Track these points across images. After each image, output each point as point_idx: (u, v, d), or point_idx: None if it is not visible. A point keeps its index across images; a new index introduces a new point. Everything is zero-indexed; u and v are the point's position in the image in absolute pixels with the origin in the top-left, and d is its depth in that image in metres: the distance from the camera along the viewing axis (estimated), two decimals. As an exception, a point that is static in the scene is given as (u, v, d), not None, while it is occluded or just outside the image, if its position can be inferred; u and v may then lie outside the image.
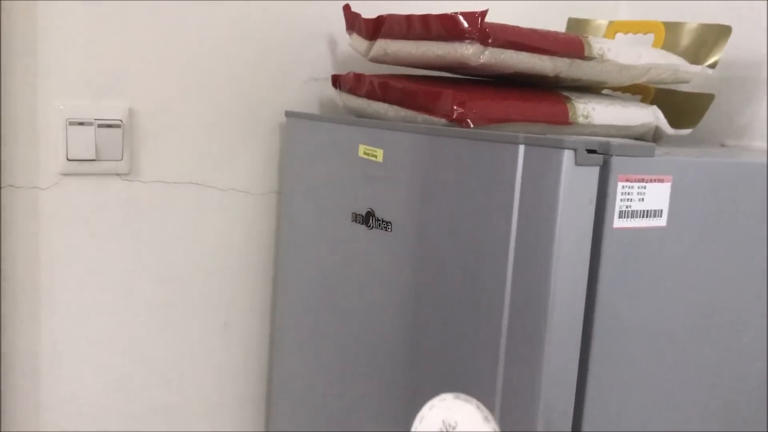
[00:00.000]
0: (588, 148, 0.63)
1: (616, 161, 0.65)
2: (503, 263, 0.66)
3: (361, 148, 0.86)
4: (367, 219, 0.85)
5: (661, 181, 0.68)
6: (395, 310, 0.81)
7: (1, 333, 0.96)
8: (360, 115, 0.96)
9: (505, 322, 0.67)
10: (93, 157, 0.96)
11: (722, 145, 1.11)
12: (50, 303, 0.99)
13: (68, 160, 0.95)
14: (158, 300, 1.06)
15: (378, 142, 0.84)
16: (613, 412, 0.69)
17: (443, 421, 0.39)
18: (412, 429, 0.37)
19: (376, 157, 0.84)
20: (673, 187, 0.69)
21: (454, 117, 0.78)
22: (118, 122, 0.98)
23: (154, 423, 1.09)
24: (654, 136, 0.96)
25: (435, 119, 0.81)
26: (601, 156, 0.64)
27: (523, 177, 0.65)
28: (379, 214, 0.83)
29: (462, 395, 0.38)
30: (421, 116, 0.83)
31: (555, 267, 0.63)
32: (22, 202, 0.95)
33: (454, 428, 0.38)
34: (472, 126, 0.77)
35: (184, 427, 1.12)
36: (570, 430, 0.67)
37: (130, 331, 1.05)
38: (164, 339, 1.08)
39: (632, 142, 0.68)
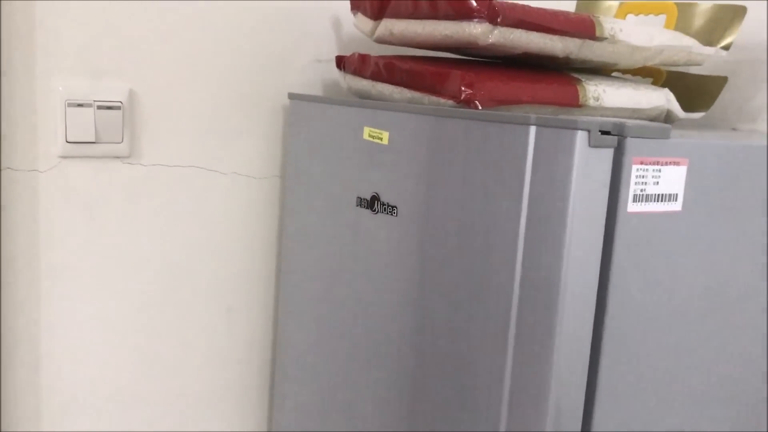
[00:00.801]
0: (602, 129, 0.61)
1: (630, 143, 0.63)
2: (513, 249, 0.64)
3: (366, 130, 0.84)
4: (372, 203, 0.83)
5: (677, 164, 0.66)
6: (400, 297, 0.79)
7: (0, 317, 0.95)
8: (365, 97, 0.94)
9: (514, 310, 0.65)
10: (93, 140, 0.94)
11: (734, 130, 1.09)
12: (50, 287, 0.97)
13: (67, 142, 0.93)
14: (160, 285, 1.05)
15: (383, 125, 0.82)
16: (625, 401, 0.68)
17: None
18: None
19: (381, 139, 0.82)
20: (689, 171, 0.67)
21: (461, 98, 0.76)
22: (118, 104, 0.96)
23: (156, 408, 1.08)
24: (665, 120, 0.94)
25: (442, 101, 0.79)
26: (615, 137, 0.62)
27: (534, 159, 0.63)
28: (384, 198, 0.82)
29: None
30: (427, 98, 0.81)
31: (567, 253, 0.61)
32: (21, 186, 0.93)
33: None
34: (480, 107, 0.75)
35: (187, 413, 1.11)
36: (581, 417, 0.66)
37: (131, 316, 1.03)
38: (166, 324, 1.06)
39: (647, 123, 0.66)
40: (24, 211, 0.94)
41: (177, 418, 1.10)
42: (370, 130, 0.84)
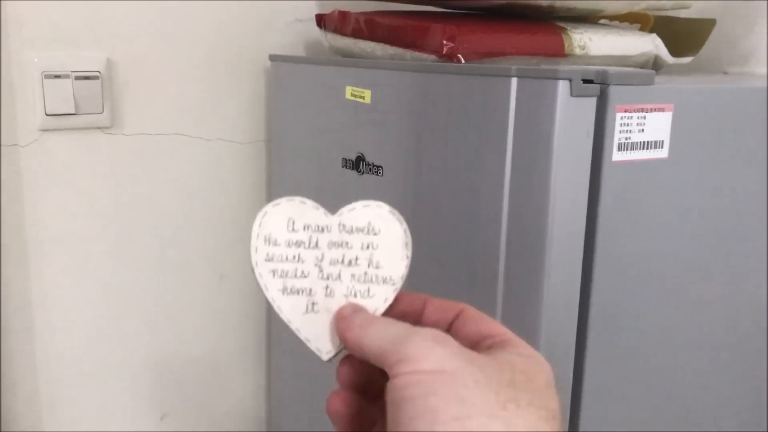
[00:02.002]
0: (584, 78, 0.60)
1: (614, 91, 0.61)
2: (498, 202, 0.64)
3: (348, 89, 0.83)
4: (357, 164, 0.82)
5: (661, 110, 0.65)
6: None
7: (-9, 295, 0.95)
8: (347, 55, 0.92)
9: (501, 263, 0.64)
10: (72, 111, 0.93)
11: (724, 73, 1.07)
12: (39, 263, 0.97)
13: (47, 115, 0.92)
14: (150, 256, 1.04)
15: (366, 83, 0.80)
16: (615, 351, 0.68)
17: (369, 223, 0.39)
18: (342, 211, 0.39)
19: (363, 98, 0.81)
20: (674, 117, 0.66)
21: (443, 52, 0.74)
22: (96, 74, 0.94)
23: (152, 378, 1.08)
24: (654, 66, 0.92)
25: (424, 56, 0.77)
26: (598, 86, 0.61)
27: (516, 111, 0.62)
28: (369, 158, 0.81)
29: (397, 213, 0.39)
30: (409, 53, 0.79)
31: (552, 204, 0.60)
32: (3, 161, 0.92)
33: (375, 233, 0.39)
34: (463, 61, 0.74)
35: (185, 381, 1.11)
36: (572, 367, 0.66)
37: (123, 288, 1.03)
38: (159, 293, 1.06)
39: (630, 70, 0.65)
40: (7, 187, 0.93)
41: (173, 386, 1.11)
42: (353, 90, 0.82)
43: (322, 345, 0.39)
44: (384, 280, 0.39)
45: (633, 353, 0.69)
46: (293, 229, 0.39)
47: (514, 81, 0.62)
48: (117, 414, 1.07)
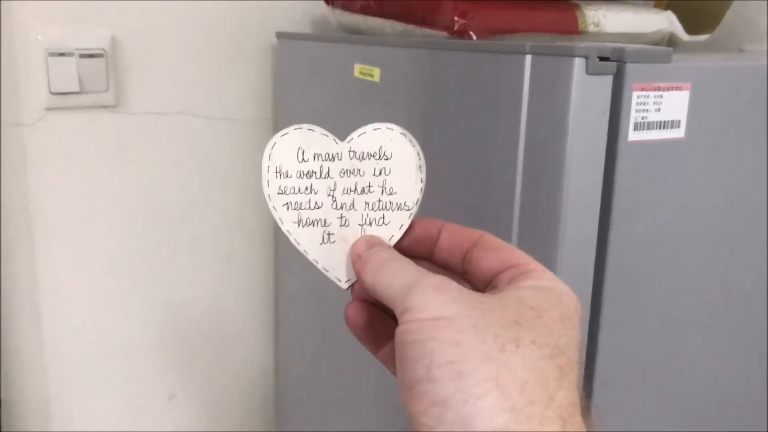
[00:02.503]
0: (600, 55, 0.58)
1: (630, 69, 0.60)
2: (511, 182, 0.62)
3: (357, 67, 0.81)
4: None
5: (679, 89, 0.63)
6: (399, 237, 0.78)
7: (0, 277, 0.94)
8: (355, 32, 0.90)
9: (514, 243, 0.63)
10: (77, 90, 0.92)
11: (741, 50, 1.05)
12: (45, 243, 0.96)
13: (51, 93, 0.91)
14: (156, 236, 1.04)
15: (375, 61, 0.79)
16: (628, 331, 0.67)
17: (381, 147, 0.38)
18: (351, 136, 0.38)
19: (372, 76, 0.79)
20: (691, 96, 0.64)
21: (455, 29, 0.73)
22: (101, 51, 0.92)
23: (160, 359, 1.08)
24: (668, 44, 0.91)
25: (435, 32, 0.75)
26: (614, 63, 0.59)
27: (530, 89, 0.60)
28: (378, 137, 0.79)
29: (409, 134, 0.39)
30: (420, 30, 0.78)
31: (566, 185, 0.59)
32: (7, 140, 0.91)
33: (387, 158, 0.38)
34: (474, 38, 0.72)
35: (192, 362, 1.11)
36: (585, 344, 0.65)
37: (129, 268, 1.02)
38: (166, 273, 1.06)
39: (647, 47, 0.63)
40: (11, 167, 0.92)
41: (180, 366, 1.10)
42: (361, 67, 0.81)
43: (340, 274, 0.39)
44: (399, 207, 0.38)
45: (647, 336, 0.68)
46: (303, 159, 0.38)
47: (528, 58, 0.60)
48: (125, 395, 1.06)
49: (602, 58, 0.58)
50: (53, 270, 0.97)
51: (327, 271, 0.39)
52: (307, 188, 0.38)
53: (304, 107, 0.95)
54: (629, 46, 0.61)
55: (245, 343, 1.16)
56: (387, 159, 0.38)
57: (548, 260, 0.61)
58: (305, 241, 0.38)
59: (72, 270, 0.98)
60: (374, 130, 0.38)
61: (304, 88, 0.94)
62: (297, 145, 0.38)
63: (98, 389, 1.04)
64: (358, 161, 0.38)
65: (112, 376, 1.05)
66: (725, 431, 0.77)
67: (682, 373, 0.73)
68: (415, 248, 0.38)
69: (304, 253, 0.39)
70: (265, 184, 0.38)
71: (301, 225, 0.38)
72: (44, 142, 0.93)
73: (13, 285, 0.95)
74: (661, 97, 0.62)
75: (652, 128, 0.63)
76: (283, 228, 0.38)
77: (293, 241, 0.38)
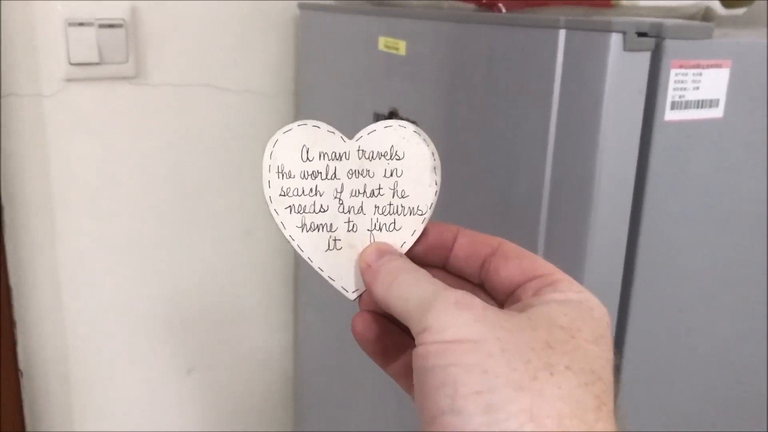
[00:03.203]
0: (639, 30, 0.56)
1: (669, 45, 0.57)
2: (541, 163, 0.60)
3: (382, 40, 0.79)
4: (389, 119, 0.79)
5: (719, 66, 0.61)
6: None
7: (9, 254, 0.94)
8: (380, 3, 0.88)
9: (542, 231, 0.61)
10: (96, 60, 0.90)
11: (778, 26, 1.01)
12: (65, 216, 0.95)
13: (70, 64, 0.89)
14: (176, 209, 1.03)
15: (400, 33, 0.76)
16: (658, 321, 0.65)
17: (392, 146, 0.36)
18: (360, 134, 0.36)
19: (397, 49, 0.77)
20: (731, 74, 0.62)
21: (484, 1, 0.70)
22: (121, 21, 0.91)
23: (179, 333, 1.08)
24: (704, 18, 0.87)
25: (463, 4, 0.73)
26: (652, 39, 0.57)
27: (564, 66, 0.58)
28: (403, 113, 0.77)
29: (423, 133, 0.36)
30: (447, 2, 0.75)
31: (599, 167, 0.57)
32: (26, 111, 0.90)
33: (399, 158, 0.36)
34: (504, 11, 0.69)
35: (212, 336, 1.11)
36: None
37: (149, 242, 1.02)
38: (185, 248, 1.05)
39: (687, 22, 0.60)
40: (31, 138, 0.91)
41: (200, 341, 1.10)
42: (386, 40, 0.78)
43: (347, 283, 0.36)
44: (411, 211, 0.36)
45: (676, 322, 0.67)
46: (308, 159, 0.35)
47: (562, 33, 0.58)
48: (144, 368, 1.07)
49: (640, 34, 0.56)
50: (73, 243, 0.97)
51: (333, 280, 0.36)
52: (311, 190, 0.36)
53: (327, 81, 0.93)
54: (668, 21, 0.58)
55: (264, 318, 1.15)
56: (399, 159, 0.36)
57: (577, 246, 0.59)
58: (309, 247, 0.36)
59: (92, 243, 0.98)
60: (385, 127, 0.36)
61: (327, 61, 0.92)
62: (301, 143, 0.35)
63: (118, 363, 1.05)
64: (367, 161, 0.36)
65: (131, 349, 1.05)
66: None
67: (716, 364, 0.71)
68: (428, 256, 0.35)
69: (308, 261, 0.36)
70: (265, 185, 0.36)
71: (305, 230, 0.36)
72: (63, 114, 0.92)
73: (32, 258, 0.95)
74: (701, 74, 0.60)
75: (690, 107, 0.60)
76: (286, 233, 0.36)
77: (296, 248, 0.36)
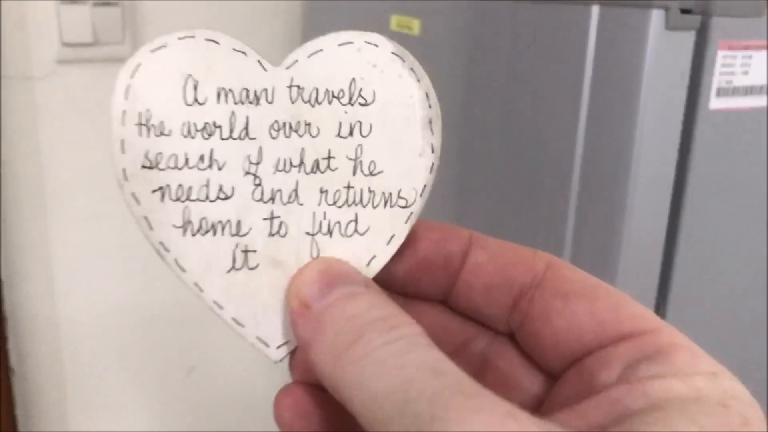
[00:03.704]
0: (682, 7, 0.49)
1: (716, 23, 0.51)
2: (570, 157, 0.54)
3: (394, 19, 0.73)
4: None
5: (770, 48, 0.54)
6: (436, 212, 0.70)
7: (8, 241, 0.89)
8: (392, -19, 0.82)
9: (570, 227, 0.55)
10: (90, 41, 0.85)
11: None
12: (58, 203, 0.91)
13: (63, 45, 0.84)
14: (176, 200, 0.98)
15: (413, 11, 0.70)
16: (694, 323, 0.59)
17: (353, 81, 0.21)
18: (296, 55, 0.22)
19: (411, 29, 0.71)
20: (785, 57, 0.55)
21: (506, -24, 0.64)
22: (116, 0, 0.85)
23: (180, 331, 1.03)
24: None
25: (483, -20, 0.67)
26: (698, 17, 0.50)
27: (597, 47, 0.52)
28: (416, 98, 0.71)
29: (410, 56, 0.22)
30: (465, -22, 0.69)
31: (635, 161, 0.51)
32: (17, 94, 0.85)
33: (365, 102, 0.21)
34: (528, -13, 0.63)
35: (213, 335, 1.06)
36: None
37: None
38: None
39: (736, -2, 0.54)
40: (22, 122, 0.86)
41: (201, 339, 1.06)
42: (399, 19, 0.72)
43: (267, 332, 0.21)
44: (386, 200, 0.21)
45: (715, 321, 0.61)
46: (196, 100, 0.20)
47: (595, 8, 0.51)
48: (144, 368, 1.02)
49: (684, 11, 0.50)
50: (67, 235, 0.92)
51: (241, 325, 0.22)
52: (202, 158, 0.20)
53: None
54: (716, -4, 0.52)
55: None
56: (365, 104, 0.21)
57: (608, 252, 0.53)
58: (197, 264, 0.21)
59: (86, 235, 0.93)
60: (340, 45, 0.21)
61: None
62: (184, 71, 0.20)
63: (115, 362, 1.00)
64: (307, 106, 0.21)
65: (130, 348, 1.00)
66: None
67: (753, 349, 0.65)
68: (417, 281, 0.21)
69: (194, 288, 0.22)
70: (115, 148, 0.20)
71: (190, 231, 0.21)
72: (56, 97, 0.87)
73: (23, 250, 0.90)
74: (750, 57, 0.53)
75: (738, 94, 0.54)
76: (153, 237, 0.21)
77: (172, 263, 0.21)
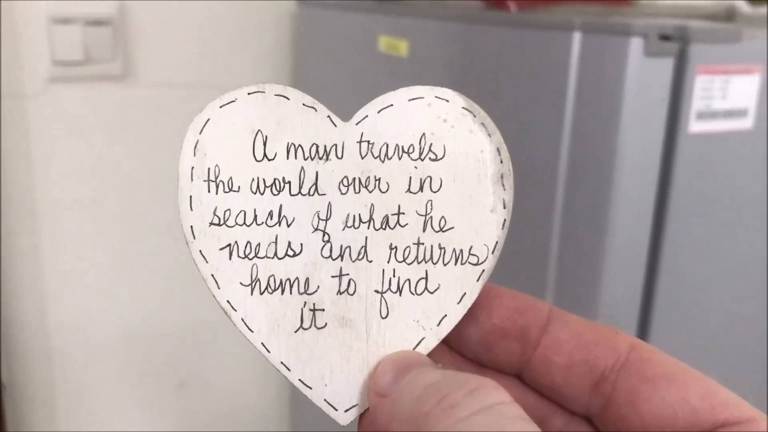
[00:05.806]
0: (661, 33, 0.51)
1: (694, 50, 0.52)
2: (553, 180, 0.55)
3: (382, 40, 0.74)
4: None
5: (748, 72, 0.55)
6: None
7: (0, 257, 0.89)
8: (381, 1, 0.83)
9: (553, 256, 0.56)
10: (82, 59, 0.85)
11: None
12: (50, 221, 0.91)
13: (54, 63, 0.85)
14: (166, 216, 0.98)
15: (403, 33, 0.71)
16: (678, 340, 0.60)
17: (423, 136, 0.21)
18: (366, 111, 0.21)
19: (398, 50, 0.72)
20: (762, 80, 0.56)
21: (491, -1, 0.65)
22: (108, 18, 0.86)
23: (170, 345, 1.03)
24: (727, 18, 0.82)
25: (470, 3, 0.68)
26: (676, 44, 0.52)
27: (578, 72, 0.53)
28: (404, 118, 0.72)
29: (481, 111, 0.22)
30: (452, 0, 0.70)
31: (617, 183, 0.52)
32: (9, 112, 0.85)
33: (436, 157, 0.21)
34: (513, 10, 0.64)
35: (203, 348, 1.06)
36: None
37: (138, 250, 0.97)
38: (176, 257, 1.00)
39: (713, 24, 0.55)
40: (14, 141, 0.86)
41: (191, 353, 1.06)
42: (387, 40, 0.73)
43: (335, 395, 0.21)
44: (457, 256, 0.21)
45: (697, 341, 0.62)
46: (265, 156, 0.21)
47: (576, 36, 0.52)
48: (133, 381, 1.02)
49: (663, 37, 0.51)
50: (58, 250, 0.92)
51: (309, 387, 0.21)
52: (271, 214, 0.21)
53: (325, 82, 0.88)
54: (694, 24, 0.53)
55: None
56: (435, 159, 0.21)
57: (592, 273, 0.54)
58: (266, 322, 0.21)
59: (78, 251, 0.94)
60: (410, 100, 0.21)
61: (325, 61, 0.87)
62: (253, 125, 0.21)
63: (106, 375, 1.00)
64: (377, 162, 0.21)
65: (120, 361, 1.00)
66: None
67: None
68: (492, 349, 0.20)
69: (260, 348, 0.21)
70: (184, 204, 0.22)
71: (258, 290, 0.21)
72: (47, 115, 0.87)
73: (15, 265, 0.91)
74: (728, 81, 0.55)
75: (717, 117, 0.55)
76: (220, 296, 0.21)
77: (239, 322, 0.21)
